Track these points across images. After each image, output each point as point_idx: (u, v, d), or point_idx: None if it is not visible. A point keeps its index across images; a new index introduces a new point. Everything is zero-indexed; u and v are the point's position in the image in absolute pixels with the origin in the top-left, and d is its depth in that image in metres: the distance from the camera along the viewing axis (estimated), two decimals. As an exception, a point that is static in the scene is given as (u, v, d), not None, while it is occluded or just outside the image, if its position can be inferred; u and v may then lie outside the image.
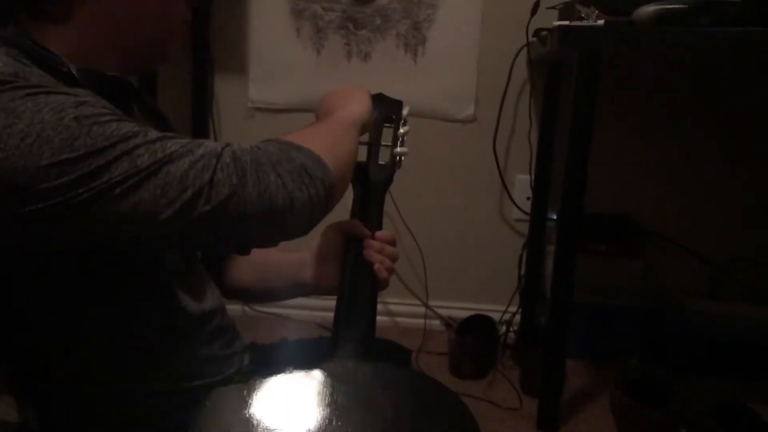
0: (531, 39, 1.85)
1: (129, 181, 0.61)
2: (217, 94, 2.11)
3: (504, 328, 2.03)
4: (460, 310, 2.09)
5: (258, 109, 2.12)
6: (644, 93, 1.98)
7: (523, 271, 2.05)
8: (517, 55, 1.95)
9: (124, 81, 0.81)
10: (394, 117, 1.00)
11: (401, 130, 1.00)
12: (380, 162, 0.97)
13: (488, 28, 2.00)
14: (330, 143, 0.77)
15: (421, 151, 2.07)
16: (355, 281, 0.87)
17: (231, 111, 2.12)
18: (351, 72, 2.05)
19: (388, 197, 2.17)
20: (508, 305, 2.06)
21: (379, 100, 1.01)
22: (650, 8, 1.36)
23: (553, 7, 1.77)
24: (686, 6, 1.35)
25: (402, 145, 0.99)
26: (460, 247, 2.12)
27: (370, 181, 0.96)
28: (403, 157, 0.99)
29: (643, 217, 2.02)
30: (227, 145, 0.67)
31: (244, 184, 0.64)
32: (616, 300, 1.93)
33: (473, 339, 1.87)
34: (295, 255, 1.00)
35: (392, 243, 0.93)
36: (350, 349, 0.77)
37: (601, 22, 1.39)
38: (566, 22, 1.42)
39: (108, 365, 0.76)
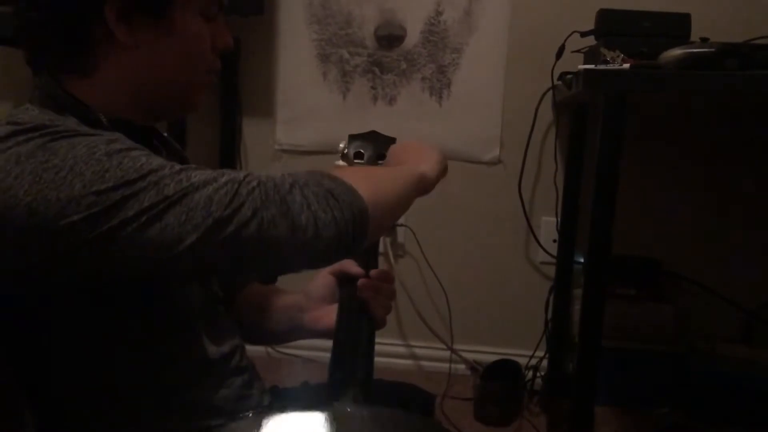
0: (556, 82, 1.86)
1: (155, 208, 0.63)
2: (245, 137, 2.15)
3: (531, 374, 1.99)
4: (485, 354, 2.06)
5: (285, 151, 2.14)
6: (672, 135, 1.97)
7: (549, 315, 2.02)
8: (542, 98, 1.96)
9: (152, 129, 0.83)
10: (386, 154, 0.98)
11: None
12: None
13: (513, 72, 2.01)
14: (375, 182, 0.76)
15: (446, 193, 2.08)
16: (350, 324, 0.83)
17: (258, 153, 2.15)
18: (377, 115, 2.07)
19: (413, 238, 2.18)
20: (535, 350, 2.03)
21: (373, 137, 1.01)
22: (676, 52, 1.36)
23: (578, 51, 1.79)
24: (713, 50, 1.34)
25: None
26: (485, 290, 2.10)
27: None
28: None
29: (671, 260, 1.98)
30: (250, 173, 0.67)
31: (267, 205, 0.64)
32: (646, 345, 1.89)
33: (499, 384, 1.84)
34: (291, 297, 1.00)
35: (388, 280, 0.92)
36: (349, 393, 0.75)
37: (626, 65, 1.39)
38: (591, 66, 1.42)
39: (123, 402, 0.76)
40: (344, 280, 0.91)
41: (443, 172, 0.92)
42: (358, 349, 0.80)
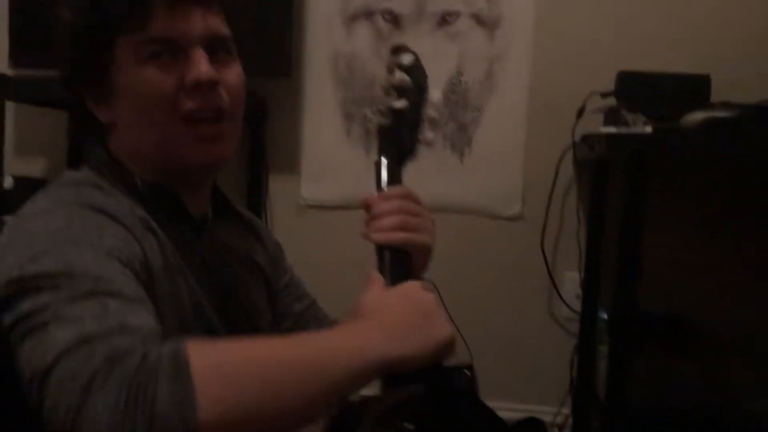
0: (577, 142, 1.89)
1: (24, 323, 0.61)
2: (271, 192, 2.19)
3: None
4: (510, 411, 2.04)
5: (309, 206, 2.18)
6: (695, 190, 1.98)
7: (574, 372, 2.01)
8: (563, 155, 1.99)
9: (177, 198, 0.84)
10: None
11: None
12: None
13: (534, 129, 2.04)
14: (247, 385, 0.56)
15: (468, 247, 2.10)
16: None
17: (283, 208, 2.19)
18: (399, 171, 2.10)
19: (435, 293, 2.17)
20: (560, 407, 2.01)
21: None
22: (698, 115, 1.39)
23: (598, 110, 1.82)
24: (734, 113, 1.37)
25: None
26: (508, 346, 2.10)
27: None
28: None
29: (697, 317, 1.98)
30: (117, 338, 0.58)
31: (66, 398, 0.55)
32: (672, 402, 1.87)
33: (524, 443, 1.83)
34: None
35: (405, 196, 0.84)
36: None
37: (648, 128, 1.42)
38: (613, 129, 1.46)
39: None
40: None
41: (440, 352, 0.67)
42: None
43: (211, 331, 0.82)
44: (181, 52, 0.78)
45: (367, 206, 0.83)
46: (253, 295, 0.96)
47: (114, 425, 0.52)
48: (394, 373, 0.64)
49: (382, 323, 0.66)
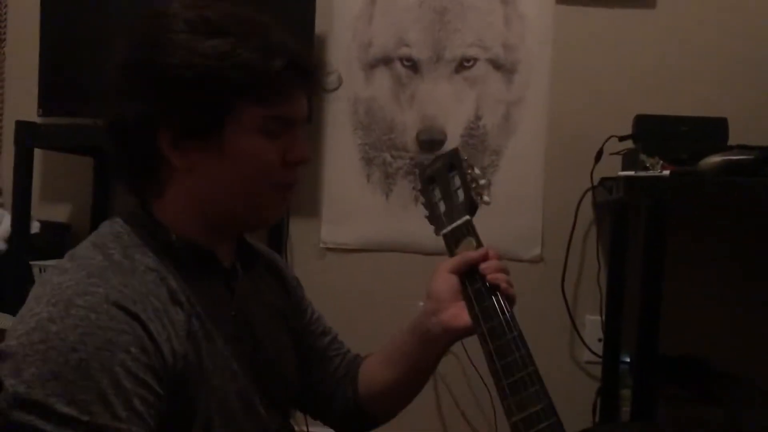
0: (595, 185, 1.90)
1: None
2: (291, 235, 2.21)
3: (579, 478, 1.94)
4: (532, 456, 2.01)
5: (329, 249, 2.19)
6: (716, 232, 1.97)
7: (597, 417, 1.98)
8: (582, 198, 1.99)
9: (213, 257, 0.86)
10: (455, 164, 0.98)
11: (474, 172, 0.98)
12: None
13: (552, 172, 2.06)
14: None
15: (489, 290, 2.09)
16: (498, 311, 0.86)
17: (304, 251, 2.21)
18: (418, 215, 2.11)
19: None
20: (583, 453, 1.98)
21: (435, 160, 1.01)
22: (716, 159, 1.39)
23: (616, 153, 1.83)
24: (751, 156, 1.38)
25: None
26: (530, 390, 2.07)
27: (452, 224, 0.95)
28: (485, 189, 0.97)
29: (720, 360, 1.95)
30: None
31: None
32: (698, 449, 1.83)
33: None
34: (406, 327, 0.99)
35: (499, 256, 0.94)
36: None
37: (666, 172, 1.43)
38: (631, 173, 1.47)
39: None
40: (467, 273, 0.90)
41: None
42: (519, 335, 0.84)
43: (242, 393, 0.84)
44: (288, 128, 0.84)
45: (483, 256, 0.92)
46: (281, 343, 0.98)
47: None
48: None
49: None
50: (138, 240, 0.81)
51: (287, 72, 0.81)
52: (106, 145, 0.84)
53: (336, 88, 0.94)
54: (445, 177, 0.99)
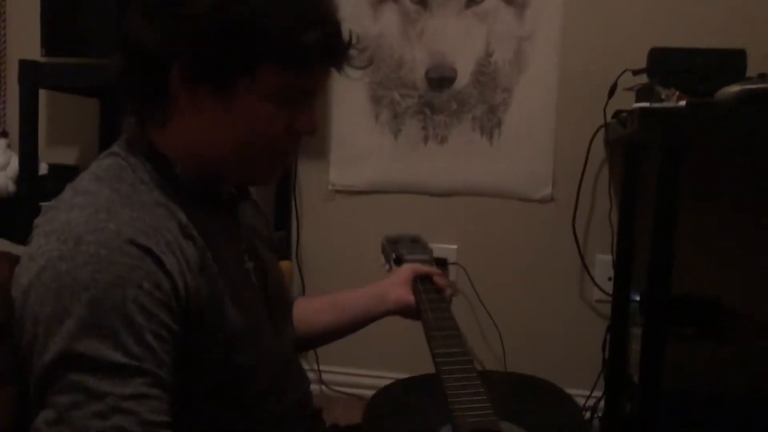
0: (609, 120, 1.86)
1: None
2: (300, 178, 2.19)
3: (588, 414, 1.95)
4: (541, 394, 2.03)
5: (338, 191, 2.18)
6: (731, 171, 1.94)
7: (606, 355, 1.99)
8: (594, 135, 1.96)
9: (215, 191, 0.85)
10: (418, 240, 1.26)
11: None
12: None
13: (564, 110, 2.02)
14: None
15: (498, 230, 2.08)
16: (442, 308, 1.07)
17: (312, 193, 2.20)
18: (427, 155, 2.10)
19: (465, 277, 2.19)
20: (592, 390, 1.99)
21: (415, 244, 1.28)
22: (733, 89, 1.35)
23: (630, 89, 1.78)
24: (771, 86, 1.34)
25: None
26: (539, 329, 2.08)
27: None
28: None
29: (733, 300, 1.94)
30: None
31: None
32: (706, 387, 1.84)
33: (556, 425, 1.81)
34: (369, 287, 1.15)
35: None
36: None
37: (682, 103, 1.39)
38: (646, 104, 1.43)
39: None
40: (423, 278, 1.13)
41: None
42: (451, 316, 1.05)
43: (256, 324, 0.85)
44: (304, 98, 0.82)
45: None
46: (279, 273, 0.99)
47: None
48: None
49: None
50: (143, 174, 0.79)
51: (320, 46, 0.77)
52: (116, 62, 0.80)
53: (365, 66, 0.90)
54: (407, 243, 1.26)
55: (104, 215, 0.72)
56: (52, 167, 2.16)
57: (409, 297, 1.09)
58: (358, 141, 2.15)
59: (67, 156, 2.29)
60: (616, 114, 1.75)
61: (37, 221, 0.76)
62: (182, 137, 0.80)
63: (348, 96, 2.13)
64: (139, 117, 0.83)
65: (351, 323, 1.12)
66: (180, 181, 0.80)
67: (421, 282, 1.12)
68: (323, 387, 2.17)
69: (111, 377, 0.66)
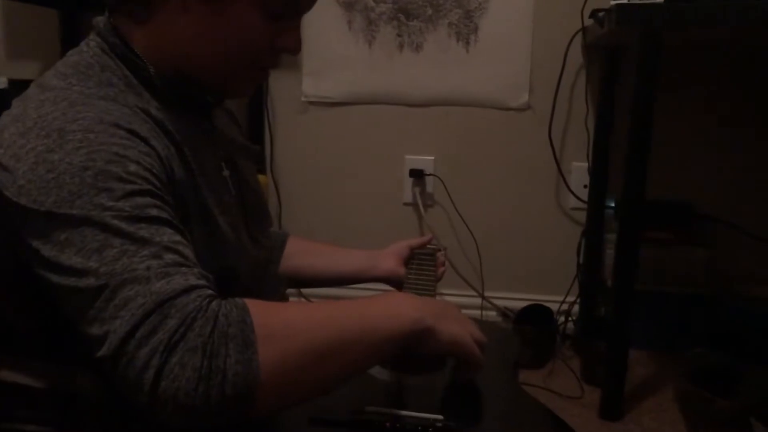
0: (587, 22, 1.82)
1: (72, 274, 0.62)
2: (272, 90, 2.14)
3: (563, 318, 2.00)
4: (517, 300, 2.07)
5: (311, 103, 2.13)
6: (704, 76, 1.93)
7: (581, 260, 2.02)
8: (571, 40, 1.92)
9: (197, 92, 0.81)
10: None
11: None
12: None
13: (541, 14, 1.97)
14: (299, 352, 0.63)
15: (475, 140, 2.06)
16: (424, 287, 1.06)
17: (285, 106, 2.15)
18: (403, 63, 2.04)
19: (441, 187, 2.17)
20: (567, 295, 2.03)
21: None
22: (713, -17, 1.32)
23: (609, -10, 1.74)
24: (752, -20, 1.30)
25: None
26: (516, 237, 2.10)
27: None
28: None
29: (705, 203, 1.96)
30: (191, 293, 0.61)
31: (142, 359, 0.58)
32: (680, 289, 1.88)
33: (531, 327, 1.85)
34: (366, 251, 1.16)
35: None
36: None
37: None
38: (624, 0, 1.39)
39: None
40: (421, 257, 1.15)
41: (455, 344, 0.75)
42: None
43: (233, 225, 0.83)
44: (290, 16, 0.80)
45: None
46: (255, 181, 0.97)
47: (191, 388, 0.57)
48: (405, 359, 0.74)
49: (414, 299, 0.77)
50: (111, 76, 0.74)
51: None
52: None
53: None
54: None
55: (80, 107, 0.69)
56: (12, 82, 2.09)
57: (400, 269, 1.12)
58: (331, 50, 2.09)
59: (28, 71, 2.21)
60: (594, 13, 1.71)
61: (1, 121, 0.71)
62: (161, 37, 0.76)
63: (319, 3, 2.05)
64: (114, 13, 0.78)
65: (337, 276, 1.15)
66: (153, 83, 0.76)
67: (418, 259, 1.14)
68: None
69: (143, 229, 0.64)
